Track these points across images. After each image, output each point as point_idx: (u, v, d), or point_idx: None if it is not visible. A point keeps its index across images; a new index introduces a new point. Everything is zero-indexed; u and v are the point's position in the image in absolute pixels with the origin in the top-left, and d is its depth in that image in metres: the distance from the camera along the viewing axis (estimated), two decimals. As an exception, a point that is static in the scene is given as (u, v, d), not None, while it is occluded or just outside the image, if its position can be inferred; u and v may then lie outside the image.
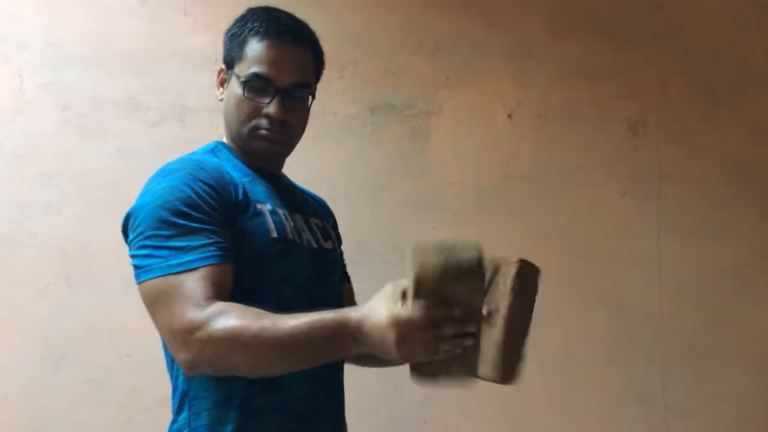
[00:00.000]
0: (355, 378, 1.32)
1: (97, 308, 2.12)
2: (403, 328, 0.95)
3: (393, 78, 2.28)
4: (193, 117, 2.22)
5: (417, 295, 0.95)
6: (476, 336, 0.98)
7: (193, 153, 1.23)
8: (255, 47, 1.19)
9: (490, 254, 0.99)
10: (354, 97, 2.18)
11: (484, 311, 0.98)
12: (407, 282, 0.96)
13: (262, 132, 1.20)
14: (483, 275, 0.98)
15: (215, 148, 1.23)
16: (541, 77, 2.38)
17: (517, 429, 2.25)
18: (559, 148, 2.37)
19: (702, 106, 2.42)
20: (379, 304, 0.99)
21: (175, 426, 1.13)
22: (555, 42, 2.39)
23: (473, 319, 0.98)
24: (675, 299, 2.36)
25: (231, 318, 1.00)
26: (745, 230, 2.39)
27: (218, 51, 2.20)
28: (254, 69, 1.18)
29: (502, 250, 2.41)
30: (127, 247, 2.10)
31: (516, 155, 2.36)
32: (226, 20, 2.22)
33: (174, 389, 1.16)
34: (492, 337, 0.96)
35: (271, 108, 1.18)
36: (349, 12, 2.26)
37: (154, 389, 2.08)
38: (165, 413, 2.04)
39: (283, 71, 1.19)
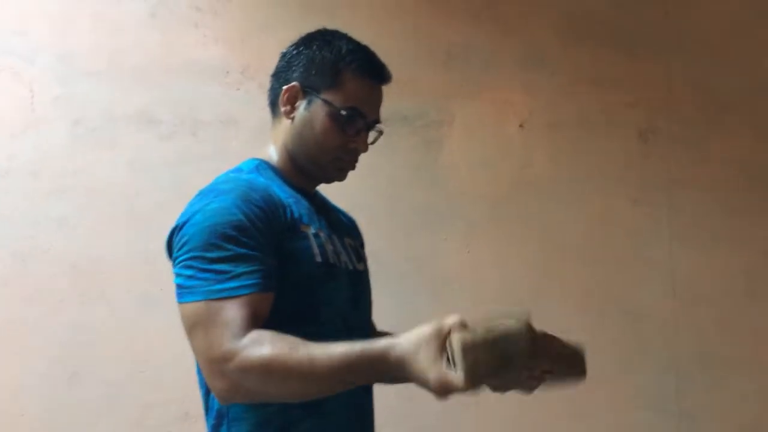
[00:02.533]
0: (374, 391, 1.31)
1: (110, 324, 2.10)
2: (449, 390, 0.94)
3: (405, 88, 2.26)
4: (205, 130, 2.21)
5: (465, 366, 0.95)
6: None
7: (239, 171, 1.21)
8: (355, 83, 1.20)
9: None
10: (366, 108, 2.19)
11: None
12: (451, 334, 0.96)
13: (342, 163, 1.23)
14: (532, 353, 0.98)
15: (259, 167, 1.22)
16: (552, 86, 2.39)
17: (529, 435, 2.25)
18: (570, 156, 2.38)
19: (711, 112, 2.44)
20: (421, 352, 0.96)
21: None
22: (566, 51, 2.40)
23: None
24: (688, 306, 2.37)
25: (265, 347, 0.99)
26: (757, 236, 2.40)
27: (229, 63, 2.25)
28: (354, 104, 1.20)
29: (516, 260, 2.42)
30: (140, 262, 2.12)
31: (528, 164, 2.37)
32: (236, 33, 2.26)
33: (210, 408, 1.15)
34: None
35: (360, 142, 1.22)
36: (360, 22, 2.26)
37: (169, 406, 2.08)
38: (180, 429, 2.05)
39: (374, 108, 1.24)
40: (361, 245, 1.37)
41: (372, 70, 1.22)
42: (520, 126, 2.38)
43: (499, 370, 0.95)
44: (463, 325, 0.96)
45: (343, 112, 1.19)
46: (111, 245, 2.12)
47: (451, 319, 0.96)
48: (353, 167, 1.25)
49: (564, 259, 2.35)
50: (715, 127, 2.43)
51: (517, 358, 0.95)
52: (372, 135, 1.26)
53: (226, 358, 1.00)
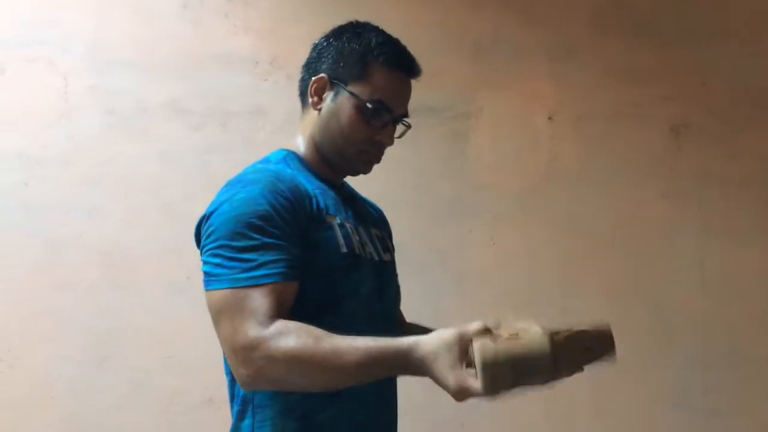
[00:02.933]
0: (397, 381, 1.32)
1: (140, 310, 2.14)
2: (468, 395, 0.97)
3: (432, 80, 2.24)
4: (234, 120, 2.23)
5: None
6: None
7: (267, 161, 1.23)
8: (383, 76, 1.20)
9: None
10: (393, 99, 2.19)
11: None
12: (472, 341, 0.97)
13: (368, 156, 1.23)
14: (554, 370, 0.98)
15: (287, 157, 1.23)
16: (582, 78, 2.36)
17: (555, 429, 2.24)
18: (600, 149, 2.35)
19: (745, 107, 2.39)
20: (442, 355, 0.98)
21: None
22: (596, 42, 2.37)
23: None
24: (717, 301, 2.33)
25: (291, 338, 1.01)
26: (789, 232, 2.35)
27: (258, 53, 2.27)
28: (380, 97, 1.19)
29: (543, 253, 2.40)
30: (169, 251, 2.15)
31: (556, 157, 2.35)
32: (266, 22, 2.28)
33: (235, 395, 1.17)
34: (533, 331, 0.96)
35: (386, 136, 1.21)
36: (388, 12, 2.25)
37: (195, 391, 2.11)
38: (206, 416, 2.09)
39: (401, 102, 1.23)
40: (389, 236, 1.38)
41: (400, 64, 1.21)
42: (549, 118, 2.36)
43: (518, 384, 0.96)
44: (486, 331, 0.97)
45: (369, 105, 1.19)
46: (141, 234, 2.15)
47: (474, 326, 0.97)
48: (379, 160, 1.25)
49: (591, 253, 2.33)
50: (749, 122, 2.38)
51: (538, 376, 0.96)
52: (399, 129, 1.25)
53: (251, 346, 1.02)
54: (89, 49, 2.19)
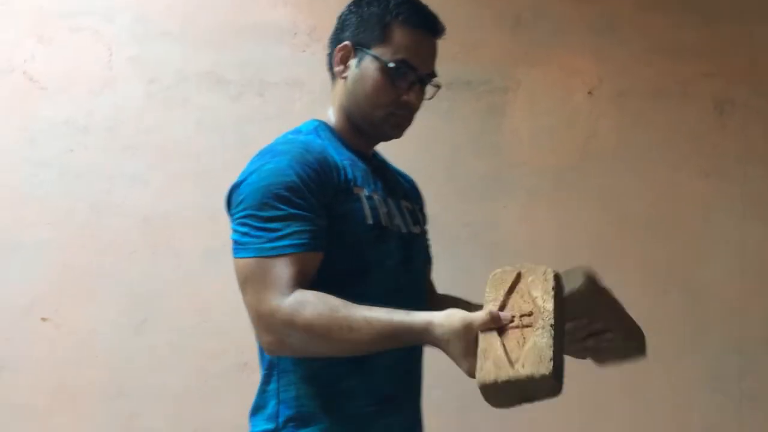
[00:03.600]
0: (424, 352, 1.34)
1: (177, 275, 2.20)
2: (471, 325, 1.00)
3: (470, 53, 2.26)
4: (271, 91, 2.26)
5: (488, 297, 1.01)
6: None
7: (298, 132, 1.24)
8: (404, 35, 1.19)
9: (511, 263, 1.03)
10: (430, 72, 2.19)
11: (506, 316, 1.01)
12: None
13: (396, 118, 1.22)
14: (558, 287, 1.01)
15: (318, 128, 1.24)
16: (623, 53, 2.31)
17: (589, 413, 2.23)
18: (640, 127, 2.31)
19: (794, 85, 2.31)
20: (453, 343, 1.02)
21: (265, 395, 1.18)
22: (639, 16, 2.32)
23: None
24: (757, 285, 2.28)
25: (310, 307, 1.04)
26: (836, 216, 2.28)
27: (297, 24, 2.28)
28: (403, 56, 1.19)
29: (577, 232, 2.38)
30: (206, 218, 2.20)
31: (595, 134, 2.31)
32: (305, -7, 2.28)
33: (263, 359, 1.20)
34: (533, 341, 0.97)
35: (412, 96, 1.20)
36: (427, -15, 2.24)
37: (229, 356, 2.17)
38: (239, 378, 2.15)
39: (426, 62, 1.22)
40: (420, 208, 1.38)
41: (420, 21, 1.20)
42: (589, 93, 2.32)
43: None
44: (492, 320, 0.99)
45: (391, 65, 1.18)
46: (180, 201, 2.21)
47: (479, 319, 1.00)
48: (409, 122, 1.24)
49: (627, 233, 2.30)
50: (797, 101, 2.31)
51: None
52: (430, 90, 1.24)
53: (272, 313, 1.05)
54: (132, 20, 2.24)
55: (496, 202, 2.28)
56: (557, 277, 1.02)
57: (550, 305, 0.98)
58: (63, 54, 2.21)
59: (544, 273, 1.01)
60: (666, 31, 2.31)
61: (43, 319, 2.16)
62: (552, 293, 0.99)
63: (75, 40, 2.22)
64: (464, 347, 1.00)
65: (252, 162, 1.17)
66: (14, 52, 2.20)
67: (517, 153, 2.30)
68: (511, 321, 1.00)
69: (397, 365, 1.18)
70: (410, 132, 1.25)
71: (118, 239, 2.20)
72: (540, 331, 0.96)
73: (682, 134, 2.31)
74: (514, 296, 1.01)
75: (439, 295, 1.39)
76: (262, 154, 1.17)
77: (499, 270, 1.05)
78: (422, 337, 1.04)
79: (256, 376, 2.23)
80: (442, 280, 1.43)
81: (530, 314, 0.98)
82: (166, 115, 2.23)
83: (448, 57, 1.26)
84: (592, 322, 1.15)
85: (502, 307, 1.01)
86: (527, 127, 2.31)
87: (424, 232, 1.34)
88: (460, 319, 1.01)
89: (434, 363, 1.31)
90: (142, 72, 2.23)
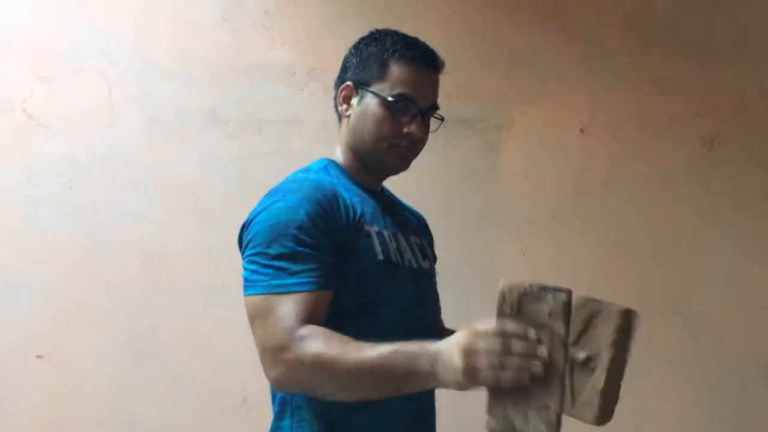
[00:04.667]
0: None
1: (176, 311, 2.21)
2: (473, 335, 0.95)
3: (466, 91, 2.30)
4: (270, 129, 2.29)
5: (498, 313, 0.97)
6: (554, 368, 0.96)
7: (307, 171, 1.26)
8: (401, 70, 1.23)
9: (589, 295, 0.99)
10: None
11: (582, 355, 0.96)
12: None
13: (400, 150, 1.24)
14: (568, 304, 0.98)
15: (327, 166, 1.27)
16: (615, 91, 2.37)
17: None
18: (632, 163, 2.36)
19: (782, 121, 2.37)
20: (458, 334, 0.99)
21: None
22: (630, 55, 2.38)
23: (556, 349, 0.97)
24: (750, 317, 2.31)
25: (317, 343, 1.04)
26: (826, 250, 2.33)
27: (294, 65, 2.32)
28: (401, 90, 1.22)
29: (573, 265, 2.40)
30: (206, 254, 2.21)
31: (588, 169, 2.36)
32: (303, 35, 2.33)
33: (274, 395, 1.20)
34: (592, 383, 0.96)
35: (413, 127, 1.22)
36: (425, 24, 2.28)
37: (229, 392, 2.17)
38: (238, 414, 2.14)
39: (425, 94, 1.24)
40: (429, 243, 1.40)
41: (416, 55, 1.23)
42: (581, 131, 2.37)
43: (528, 299, 0.97)
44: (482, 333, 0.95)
45: (390, 99, 1.21)
46: (180, 237, 2.23)
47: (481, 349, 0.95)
48: (413, 154, 1.26)
49: (622, 267, 2.33)
50: (785, 138, 2.36)
51: (552, 291, 0.97)
52: (434, 123, 1.27)
53: (278, 348, 1.06)
54: (134, 59, 2.27)
55: (493, 237, 2.32)
56: (625, 316, 0.98)
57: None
58: (64, 92, 2.24)
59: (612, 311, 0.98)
60: (655, 70, 2.37)
61: (39, 357, 2.15)
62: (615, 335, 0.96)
63: (76, 78, 2.25)
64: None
65: (262, 200, 1.19)
66: (15, 90, 2.23)
67: (513, 187, 2.34)
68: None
69: (410, 398, 1.14)
70: (408, 168, 1.30)
71: (118, 276, 2.20)
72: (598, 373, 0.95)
73: (674, 170, 2.36)
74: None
75: (448, 330, 1.38)
76: (273, 192, 1.19)
77: (505, 282, 0.99)
78: (429, 381, 1.00)
79: (255, 412, 2.23)
80: (442, 314, 1.44)
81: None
82: (166, 152, 2.26)
83: (444, 95, 1.30)
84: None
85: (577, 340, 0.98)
86: (522, 163, 2.35)
87: (433, 268, 1.36)
88: (456, 353, 0.96)
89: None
90: (143, 110, 2.26)
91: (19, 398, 2.14)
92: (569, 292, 0.98)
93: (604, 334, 0.96)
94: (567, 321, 0.98)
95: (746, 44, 2.39)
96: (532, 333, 0.96)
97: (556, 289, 0.98)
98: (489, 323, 0.96)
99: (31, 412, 2.13)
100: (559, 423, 0.97)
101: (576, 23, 2.40)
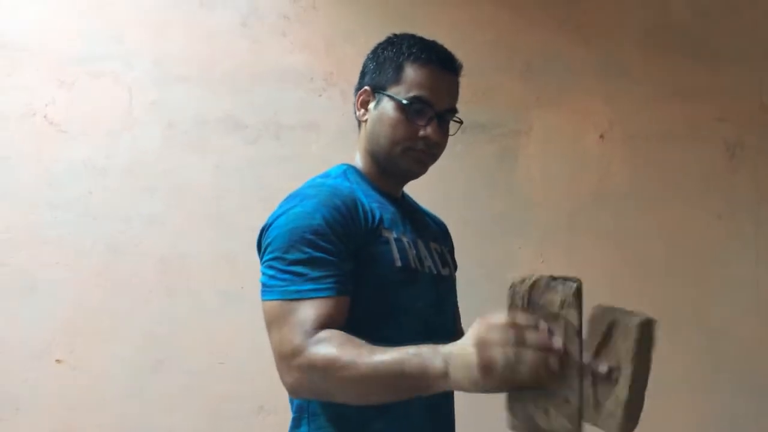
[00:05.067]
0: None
1: (193, 317, 2.20)
2: (485, 328, 0.91)
3: (483, 97, 2.30)
4: (288, 134, 2.29)
5: (509, 306, 0.95)
6: (570, 359, 0.93)
7: (326, 176, 1.26)
8: (416, 72, 1.22)
9: (607, 304, 0.97)
10: (444, 116, 2.22)
11: (604, 369, 0.93)
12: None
13: (416, 153, 1.23)
14: (579, 291, 0.95)
15: (346, 172, 1.26)
16: (634, 96, 2.35)
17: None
18: (652, 169, 2.34)
19: (804, 128, 2.34)
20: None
21: None
22: (649, 60, 2.36)
23: (570, 341, 0.93)
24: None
25: (330, 347, 1.02)
26: None
27: (313, 70, 2.32)
28: (416, 93, 1.21)
29: (591, 272, 2.38)
30: (223, 260, 2.21)
31: (607, 176, 2.34)
32: (321, 40, 2.34)
33: (291, 401, 1.20)
34: (615, 395, 0.93)
35: (429, 130, 1.21)
36: (442, 31, 2.24)
37: (245, 399, 2.16)
38: (254, 421, 2.14)
39: (441, 97, 1.23)
40: (450, 250, 1.38)
41: (431, 58, 1.22)
42: (600, 137, 2.35)
43: (540, 290, 0.94)
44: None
45: (405, 102, 1.21)
46: (197, 242, 2.23)
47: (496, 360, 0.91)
48: (431, 157, 1.24)
49: (641, 274, 2.31)
50: (808, 143, 2.33)
51: (563, 281, 0.95)
52: (453, 127, 1.26)
53: (293, 353, 1.04)
54: (152, 65, 2.28)
55: (511, 243, 2.30)
56: (643, 327, 0.94)
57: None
58: (83, 98, 2.25)
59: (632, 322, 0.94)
60: (675, 75, 2.36)
61: (58, 361, 2.16)
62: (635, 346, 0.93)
63: (95, 84, 2.26)
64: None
65: (281, 205, 1.18)
66: (35, 96, 2.24)
67: (531, 194, 2.32)
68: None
69: (427, 406, 1.15)
70: (425, 174, 1.29)
71: (135, 280, 2.21)
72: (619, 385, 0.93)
73: (694, 177, 2.33)
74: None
75: None
76: (291, 197, 1.18)
77: (516, 276, 0.97)
78: (442, 385, 0.96)
79: (271, 419, 2.23)
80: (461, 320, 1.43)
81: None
82: (184, 157, 2.26)
83: (462, 101, 1.29)
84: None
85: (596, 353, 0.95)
86: (540, 169, 2.33)
87: (453, 275, 1.34)
88: (473, 358, 0.92)
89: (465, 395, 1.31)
90: (161, 116, 2.27)
91: (38, 402, 2.14)
92: (579, 281, 0.96)
93: (625, 345, 0.94)
94: (580, 310, 0.95)
95: (766, 48, 2.36)
96: (543, 325, 0.92)
97: (565, 279, 0.96)
98: (500, 316, 0.92)
99: (50, 414, 2.14)
100: (581, 416, 0.94)
101: (594, 29, 2.39)
